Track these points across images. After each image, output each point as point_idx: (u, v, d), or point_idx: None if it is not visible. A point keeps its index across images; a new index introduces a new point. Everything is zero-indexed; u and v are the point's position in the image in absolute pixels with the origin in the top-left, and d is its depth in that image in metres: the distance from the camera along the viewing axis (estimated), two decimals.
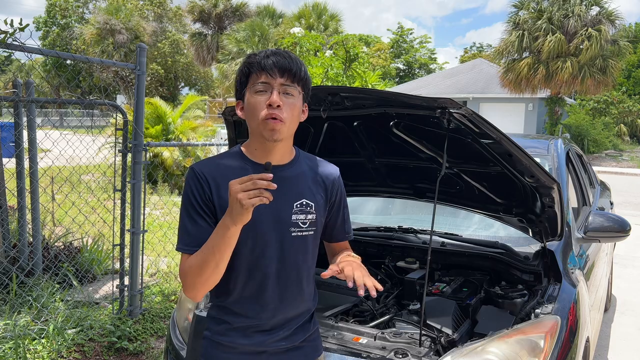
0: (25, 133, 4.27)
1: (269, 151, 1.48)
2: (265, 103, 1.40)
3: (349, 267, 1.48)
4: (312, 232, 1.54)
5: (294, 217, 1.50)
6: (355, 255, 1.63)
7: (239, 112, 1.51)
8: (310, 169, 1.58)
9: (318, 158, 1.63)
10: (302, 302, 1.57)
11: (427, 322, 2.14)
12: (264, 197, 1.25)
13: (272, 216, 1.47)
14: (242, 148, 1.53)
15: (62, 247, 4.92)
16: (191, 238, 1.42)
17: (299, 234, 1.51)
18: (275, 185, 1.26)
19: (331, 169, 1.64)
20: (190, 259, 1.41)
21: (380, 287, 1.43)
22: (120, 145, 3.85)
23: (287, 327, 1.54)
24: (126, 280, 3.90)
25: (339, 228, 1.68)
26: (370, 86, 7.29)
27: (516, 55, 21.42)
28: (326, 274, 1.45)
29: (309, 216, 1.53)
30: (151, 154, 9.55)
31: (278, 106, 1.40)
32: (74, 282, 4.26)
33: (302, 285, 1.56)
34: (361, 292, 1.43)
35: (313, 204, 1.53)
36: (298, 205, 1.50)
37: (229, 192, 1.27)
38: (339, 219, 1.67)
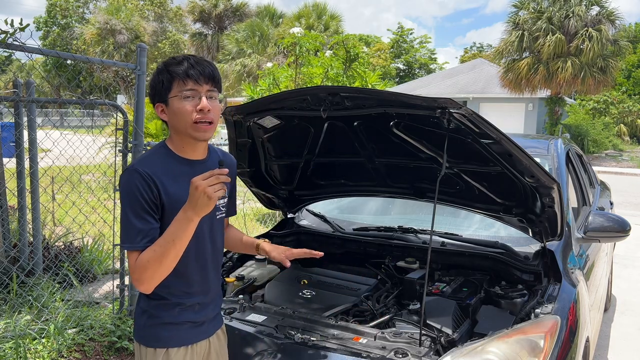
0: (25, 133, 4.27)
1: (197, 149, 1.68)
2: (196, 108, 1.57)
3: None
4: (225, 213, 1.84)
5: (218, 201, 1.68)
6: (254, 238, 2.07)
7: (160, 115, 1.64)
8: (219, 157, 1.78)
9: (217, 148, 1.83)
10: (220, 275, 1.87)
11: (427, 322, 2.13)
12: (223, 190, 1.46)
13: None
14: (168, 145, 1.68)
15: (63, 247, 4.92)
16: (142, 235, 1.54)
17: (221, 215, 1.79)
18: (229, 179, 1.49)
19: (232, 157, 1.94)
20: (145, 254, 1.52)
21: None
22: (121, 145, 3.85)
23: (217, 298, 1.82)
24: (126, 280, 3.90)
25: (233, 202, 1.96)
26: (370, 86, 7.29)
27: (516, 55, 21.41)
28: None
29: (225, 199, 1.81)
30: None
31: (209, 110, 1.59)
32: (74, 282, 4.26)
33: (221, 260, 1.87)
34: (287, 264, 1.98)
35: (226, 189, 1.74)
36: None
37: (193, 188, 1.44)
38: (233, 195, 1.96)
